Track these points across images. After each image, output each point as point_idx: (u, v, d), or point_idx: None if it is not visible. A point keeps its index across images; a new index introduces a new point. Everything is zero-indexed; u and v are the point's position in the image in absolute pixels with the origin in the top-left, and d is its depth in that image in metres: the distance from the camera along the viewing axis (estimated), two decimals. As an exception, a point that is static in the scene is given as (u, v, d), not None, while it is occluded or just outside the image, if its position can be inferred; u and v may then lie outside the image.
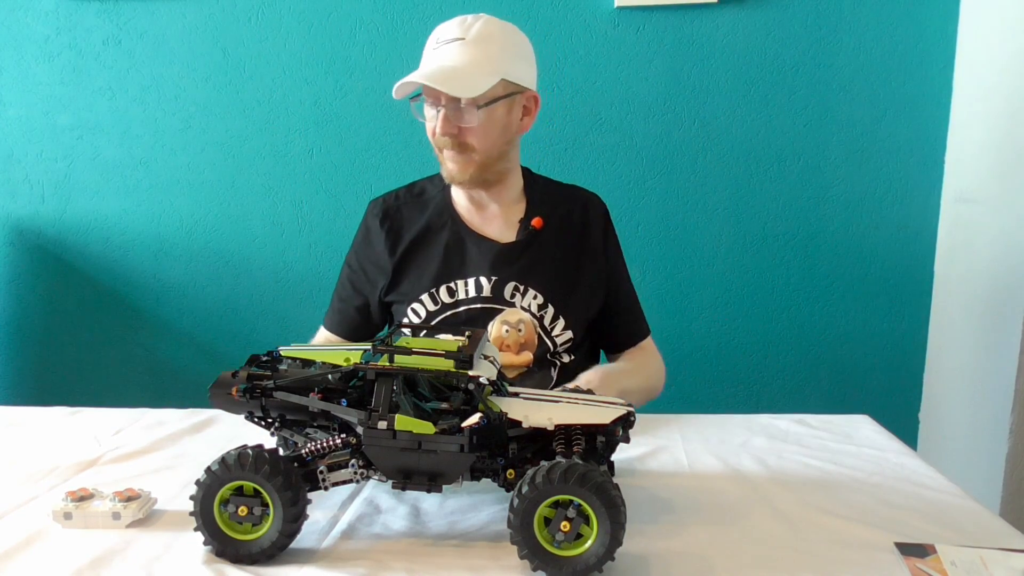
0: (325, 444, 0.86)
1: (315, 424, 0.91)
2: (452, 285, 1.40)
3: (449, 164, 1.38)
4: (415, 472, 0.84)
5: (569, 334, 1.39)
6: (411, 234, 1.46)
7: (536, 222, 1.43)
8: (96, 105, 2.26)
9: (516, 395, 0.90)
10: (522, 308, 1.38)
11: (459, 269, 1.42)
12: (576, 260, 1.45)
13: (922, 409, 2.24)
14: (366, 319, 1.50)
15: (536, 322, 1.38)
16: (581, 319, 1.42)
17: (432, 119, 1.35)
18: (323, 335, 1.52)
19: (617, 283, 1.49)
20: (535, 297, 1.39)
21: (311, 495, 0.84)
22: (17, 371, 2.40)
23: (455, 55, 1.33)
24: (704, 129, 2.17)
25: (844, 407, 1.52)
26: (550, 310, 1.39)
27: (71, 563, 0.82)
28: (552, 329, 1.39)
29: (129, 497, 0.91)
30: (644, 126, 2.18)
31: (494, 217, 1.46)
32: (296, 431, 0.92)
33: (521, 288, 1.39)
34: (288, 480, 0.80)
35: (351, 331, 1.50)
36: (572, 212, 1.47)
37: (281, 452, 0.86)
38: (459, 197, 1.47)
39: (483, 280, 1.39)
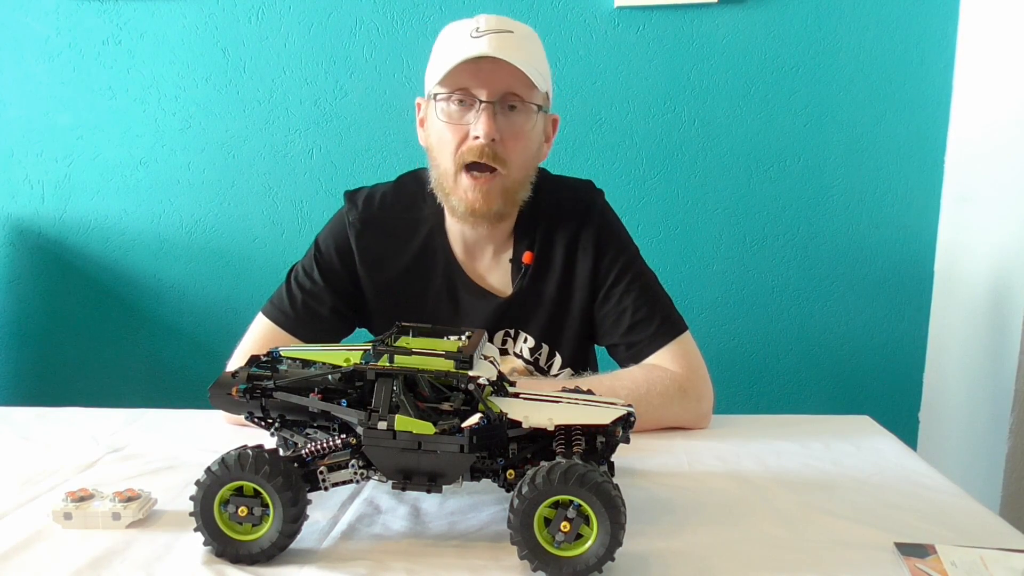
0: (325, 445, 0.86)
1: (315, 424, 0.91)
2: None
3: (469, 192, 1.15)
4: (415, 472, 0.84)
5: (569, 370, 1.31)
6: (393, 270, 1.27)
7: (527, 258, 1.26)
8: (96, 105, 2.26)
9: (516, 395, 0.90)
10: (514, 354, 1.30)
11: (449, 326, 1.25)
12: (567, 289, 1.28)
13: (922, 409, 2.24)
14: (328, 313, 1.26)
15: (531, 366, 1.30)
16: (577, 350, 1.31)
17: (472, 123, 1.11)
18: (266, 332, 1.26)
19: (618, 296, 1.27)
20: (525, 340, 1.30)
21: (311, 495, 0.84)
22: (17, 371, 2.40)
23: (512, 44, 1.10)
24: (704, 129, 2.17)
25: (844, 407, 1.52)
26: (544, 349, 1.30)
27: (71, 563, 0.82)
28: (550, 368, 1.31)
29: (129, 497, 0.91)
30: (644, 126, 2.18)
31: (488, 258, 1.29)
32: (296, 431, 0.92)
33: (512, 333, 1.30)
34: (288, 480, 0.80)
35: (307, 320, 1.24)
36: (557, 228, 1.27)
37: (281, 452, 0.86)
38: (452, 226, 1.27)
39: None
